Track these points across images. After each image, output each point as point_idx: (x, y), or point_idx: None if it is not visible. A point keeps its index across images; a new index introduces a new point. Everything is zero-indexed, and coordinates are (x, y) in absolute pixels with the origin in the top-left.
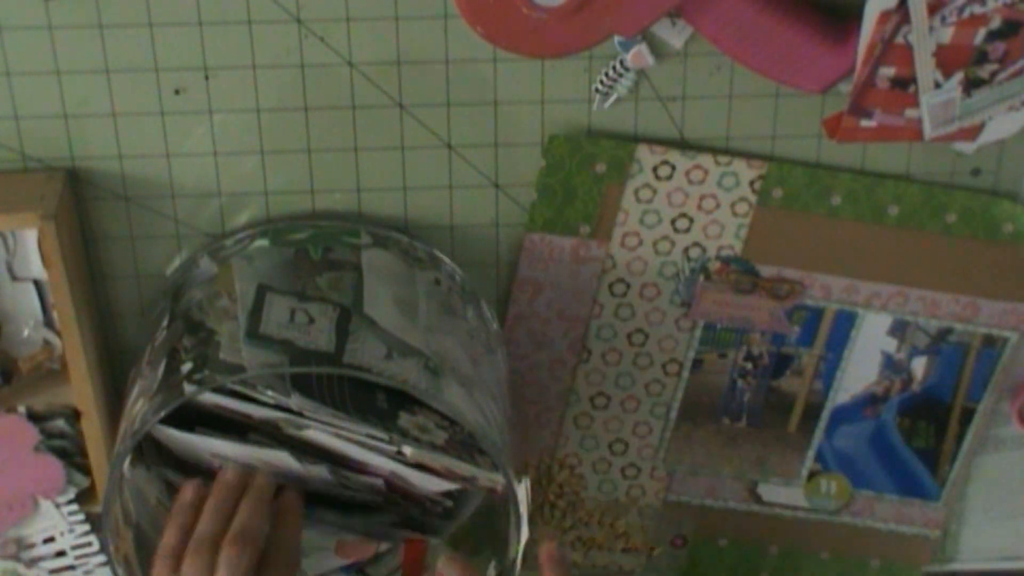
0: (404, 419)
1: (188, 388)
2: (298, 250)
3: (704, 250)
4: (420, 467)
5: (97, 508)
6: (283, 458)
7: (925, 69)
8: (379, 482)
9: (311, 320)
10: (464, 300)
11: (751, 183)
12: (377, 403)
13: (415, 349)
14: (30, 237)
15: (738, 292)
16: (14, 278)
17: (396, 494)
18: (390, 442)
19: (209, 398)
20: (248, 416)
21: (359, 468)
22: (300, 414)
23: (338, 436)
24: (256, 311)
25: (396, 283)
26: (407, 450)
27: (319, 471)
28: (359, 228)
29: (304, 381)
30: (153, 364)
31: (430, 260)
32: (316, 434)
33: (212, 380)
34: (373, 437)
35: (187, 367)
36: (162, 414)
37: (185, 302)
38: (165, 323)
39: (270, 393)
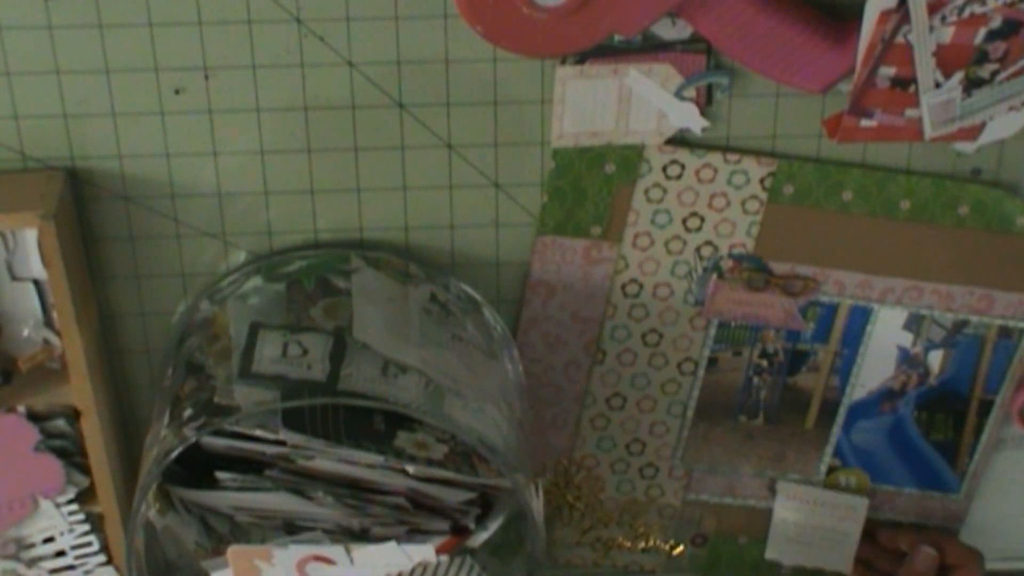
0: (402, 438)
1: (188, 435)
2: (291, 283)
3: (716, 248)
4: (435, 480)
5: (97, 508)
6: (289, 500)
7: (925, 69)
8: (401, 500)
9: (304, 351)
10: (463, 310)
11: (761, 180)
12: (375, 425)
13: (409, 367)
14: (30, 237)
15: (751, 290)
16: (14, 278)
17: (422, 509)
18: (386, 464)
19: (220, 441)
20: (262, 453)
21: (377, 489)
22: (306, 446)
23: (346, 462)
24: (249, 350)
25: (387, 302)
26: (409, 468)
27: (329, 503)
28: (349, 253)
29: (299, 413)
30: (159, 414)
31: (426, 275)
32: (326, 463)
33: (209, 424)
34: (372, 464)
35: (187, 413)
36: (165, 464)
37: (187, 348)
38: (170, 371)
39: (259, 432)
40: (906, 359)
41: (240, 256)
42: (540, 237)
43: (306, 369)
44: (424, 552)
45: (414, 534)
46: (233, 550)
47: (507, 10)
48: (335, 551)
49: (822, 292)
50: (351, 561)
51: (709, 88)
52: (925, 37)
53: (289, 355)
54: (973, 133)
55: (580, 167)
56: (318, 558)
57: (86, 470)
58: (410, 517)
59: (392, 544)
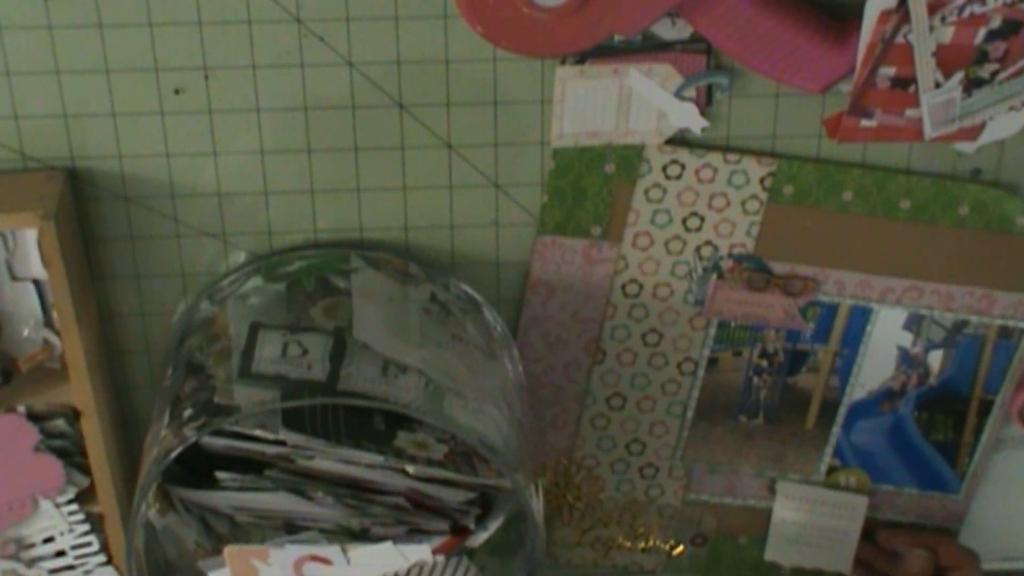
0: (402, 438)
1: (188, 435)
2: (291, 283)
3: (716, 248)
4: (435, 480)
5: (97, 508)
6: (289, 500)
7: (925, 69)
8: (401, 500)
9: (304, 351)
10: (463, 310)
11: (761, 180)
12: (375, 425)
13: (409, 367)
14: (30, 237)
15: (751, 290)
16: (14, 278)
17: (422, 509)
18: (386, 464)
19: (220, 441)
20: (262, 453)
21: (377, 489)
22: (306, 446)
23: (346, 462)
24: (249, 350)
25: (387, 302)
26: (409, 468)
27: (329, 503)
28: (349, 253)
29: (299, 413)
30: (159, 414)
31: (426, 275)
32: (326, 463)
33: (209, 424)
34: (372, 464)
35: (187, 413)
36: (165, 464)
37: (187, 348)
38: (170, 371)
39: (259, 432)
40: (906, 359)
41: (240, 256)
42: (540, 237)
43: (306, 369)
44: (420, 552)
45: (414, 534)
46: (230, 550)
47: (507, 10)
48: (332, 551)
49: (822, 292)
50: (348, 561)
51: (709, 88)
52: (925, 37)
53: (289, 355)
54: (973, 133)
55: (580, 167)
56: (315, 558)
57: (86, 470)
58: (410, 517)
59: (388, 544)
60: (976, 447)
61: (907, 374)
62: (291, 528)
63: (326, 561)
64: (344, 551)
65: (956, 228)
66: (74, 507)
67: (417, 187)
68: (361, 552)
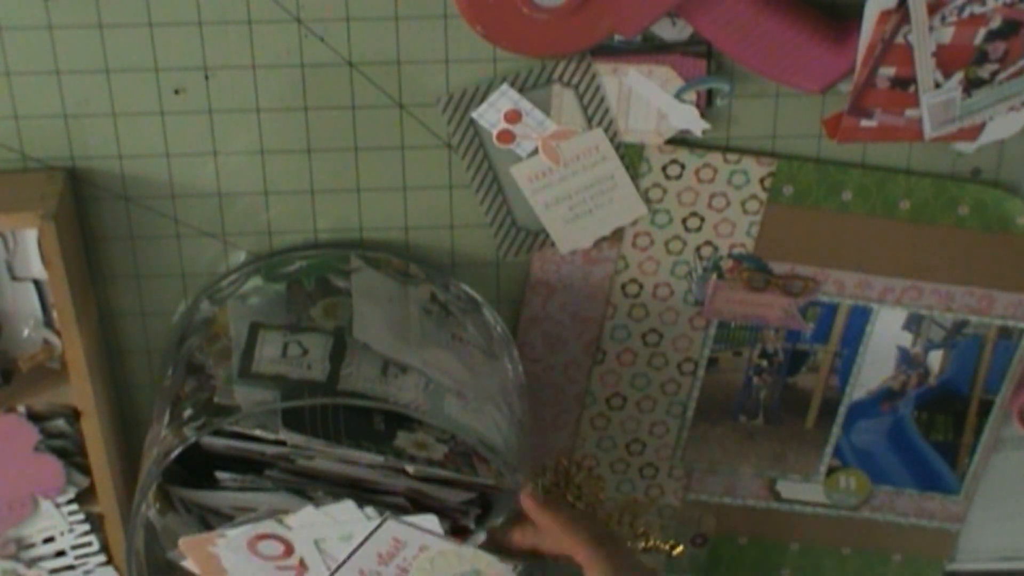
0: (401, 438)
1: (188, 435)
2: (291, 283)
3: (716, 248)
4: (435, 480)
5: (97, 508)
6: (289, 500)
7: (925, 69)
8: (401, 500)
9: (304, 351)
10: (463, 310)
11: (761, 180)
12: (375, 425)
13: (409, 367)
14: (30, 237)
15: (751, 290)
16: (14, 278)
17: (422, 509)
18: (386, 464)
19: (220, 441)
20: (262, 453)
21: (376, 489)
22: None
23: (345, 462)
24: (249, 350)
25: (387, 302)
26: (409, 468)
27: (329, 503)
28: (349, 253)
29: (299, 413)
30: (159, 414)
31: (426, 275)
32: (326, 463)
33: (209, 424)
34: (372, 464)
35: (188, 413)
36: (165, 464)
37: (187, 348)
38: (170, 371)
39: (259, 432)
40: (906, 359)
41: (240, 256)
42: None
43: (306, 369)
44: (346, 509)
45: None
46: (184, 541)
47: (507, 10)
48: (269, 525)
49: (822, 292)
50: (289, 528)
51: (709, 91)
52: (925, 37)
53: (289, 355)
54: (973, 133)
55: None
56: (260, 536)
57: (86, 470)
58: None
59: (309, 508)
60: (976, 447)
61: (907, 374)
62: None
63: (270, 536)
64: (280, 521)
65: (956, 228)
66: (74, 507)
67: (417, 187)
68: (295, 518)
